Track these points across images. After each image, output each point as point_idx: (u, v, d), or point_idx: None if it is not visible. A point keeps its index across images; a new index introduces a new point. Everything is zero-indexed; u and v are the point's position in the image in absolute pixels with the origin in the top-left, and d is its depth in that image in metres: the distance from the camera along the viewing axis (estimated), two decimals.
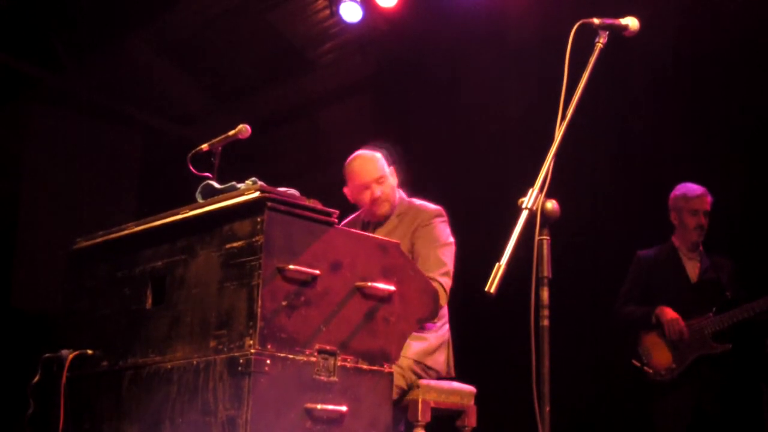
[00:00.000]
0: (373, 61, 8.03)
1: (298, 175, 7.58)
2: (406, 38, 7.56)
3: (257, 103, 8.49)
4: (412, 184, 4.96)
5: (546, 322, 3.22)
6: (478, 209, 6.55)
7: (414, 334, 4.25)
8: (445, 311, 4.62)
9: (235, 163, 4.61)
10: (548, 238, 3.28)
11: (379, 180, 4.69)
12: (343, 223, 4.87)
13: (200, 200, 3.67)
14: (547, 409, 3.12)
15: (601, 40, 3.56)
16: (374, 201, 4.67)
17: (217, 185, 3.70)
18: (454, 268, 4.59)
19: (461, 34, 7.24)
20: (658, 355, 5.47)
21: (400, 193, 4.81)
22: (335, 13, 7.50)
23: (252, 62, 8.36)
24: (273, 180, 3.56)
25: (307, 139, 8.55)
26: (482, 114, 7.10)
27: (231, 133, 4.41)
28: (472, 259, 4.66)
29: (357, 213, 4.89)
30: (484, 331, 6.51)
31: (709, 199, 5.61)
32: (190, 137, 7.27)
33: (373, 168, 4.73)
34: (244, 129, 4.41)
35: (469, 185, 7.00)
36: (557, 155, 3.34)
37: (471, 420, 4.42)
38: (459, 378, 4.58)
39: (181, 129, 9.04)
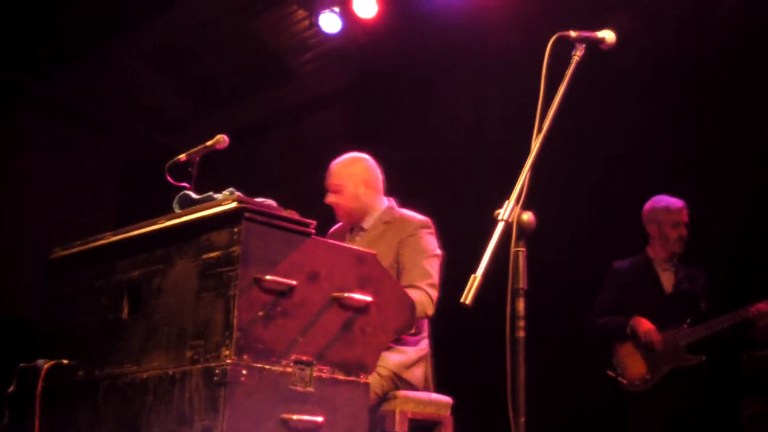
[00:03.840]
0: (352, 71, 8.05)
1: (280, 185, 7.59)
2: (385, 49, 7.58)
3: (239, 111, 8.49)
4: (390, 193, 4.97)
5: (522, 334, 3.22)
6: (456, 220, 6.56)
7: (393, 346, 4.26)
8: (425, 325, 4.61)
9: (215, 173, 4.61)
10: (524, 249, 3.29)
11: (333, 188, 4.71)
12: (333, 228, 4.88)
13: (177, 210, 3.67)
14: (522, 419, 3.13)
15: (578, 53, 3.57)
16: (336, 207, 4.71)
17: (194, 195, 3.70)
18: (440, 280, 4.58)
19: (440, 45, 7.27)
20: (633, 366, 5.49)
21: (390, 203, 4.79)
22: (315, 24, 7.53)
23: (234, 71, 8.37)
24: (254, 189, 3.56)
25: (288, 149, 8.55)
26: (460, 124, 7.12)
27: (209, 143, 4.42)
28: (451, 271, 4.65)
29: None
30: (464, 342, 6.52)
31: (687, 211, 5.67)
32: (172, 145, 7.28)
33: (330, 174, 4.76)
34: (221, 139, 4.42)
35: (447, 196, 7.01)
36: (533, 167, 3.35)
37: (448, 431, 4.43)
38: (438, 389, 4.58)
39: (162, 137, 9.04)
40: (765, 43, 6.07)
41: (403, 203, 4.86)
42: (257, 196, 3.49)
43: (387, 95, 7.74)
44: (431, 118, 7.42)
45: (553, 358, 5.98)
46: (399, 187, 4.97)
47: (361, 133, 7.76)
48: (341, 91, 8.15)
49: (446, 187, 7.18)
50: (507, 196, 3.28)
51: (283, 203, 3.55)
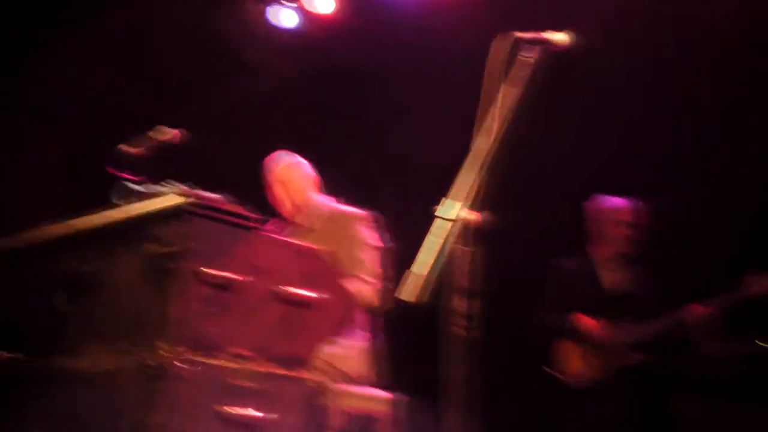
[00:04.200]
0: (309, 66, 8.03)
1: (232, 178, 7.54)
2: (341, 45, 7.57)
3: (193, 103, 8.43)
4: (345, 189, 4.98)
5: (465, 332, 3.23)
6: (410, 217, 6.55)
7: (335, 340, 4.26)
8: (367, 318, 4.63)
9: (166, 166, 4.58)
10: (471, 248, 3.30)
11: (275, 185, 4.88)
12: (274, 224, 4.90)
13: (116, 201, 3.65)
14: (461, 417, 3.14)
15: (530, 54, 3.56)
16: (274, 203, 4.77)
17: (136, 187, 3.68)
18: (388, 273, 4.60)
19: (397, 42, 7.26)
20: (574, 364, 5.53)
21: (330, 200, 4.84)
22: (271, 19, 7.52)
23: (188, 63, 8.31)
24: (205, 183, 3.54)
25: (241, 142, 8.51)
26: (415, 122, 7.12)
27: (156, 135, 4.39)
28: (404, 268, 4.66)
29: None
30: (419, 341, 6.52)
31: (632, 210, 5.69)
32: (122, 137, 7.20)
33: (271, 171, 4.94)
34: (167, 131, 4.39)
35: (402, 193, 7.01)
36: (480, 166, 3.36)
37: (385, 427, 4.41)
38: (390, 387, 4.59)
39: (113, 128, 8.93)
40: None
41: (358, 199, 4.89)
42: (208, 190, 3.48)
43: (342, 91, 7.73)
44: (385, 113, 7.41)
45: (498, 355, 5.99)
46: (354, 183, 4.99)
47: (315, 127, 7.74)
48: (296, 87, 8.12)
49: (402, 184, 7.18)
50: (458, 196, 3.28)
51: (237, 197, 3.54)
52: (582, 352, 5.51)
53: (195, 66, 8.10)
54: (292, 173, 4.89)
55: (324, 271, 3.71)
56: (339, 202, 4.88)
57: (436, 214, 3.23)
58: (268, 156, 4.98)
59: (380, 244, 4.69)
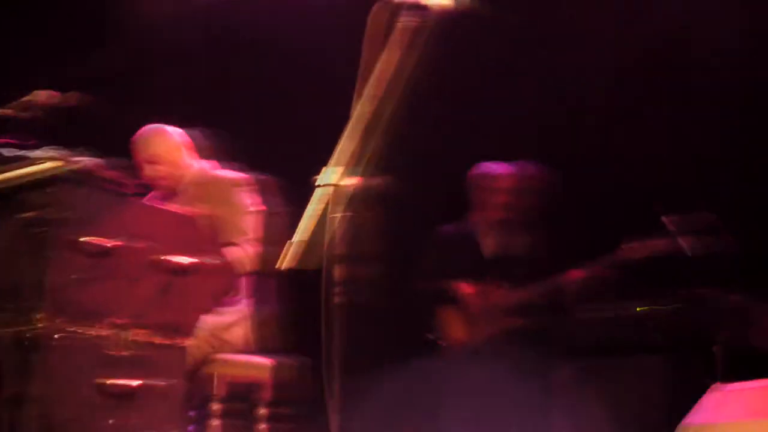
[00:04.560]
0: (190, 31, 7.91)
1: (116, 143, 7.39)
2: (228, 10, 7.46)
3: (82, 67, 8.23)
4: (236, 155, 4.93)
5: (340, 300, 3.24)
6: (299, 184, 6.52)
7: (214, 309, 4.24)
8: (245, 285, 4.61)
9: (62, 130, 4.47)
10: (347, 214, 3.31)
11: (149, 159, 4.75)
12: (151, 195, 4.83)
13: None
14: (338, 385, 3.16)
15: (410, 19, 3.55)
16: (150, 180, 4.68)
17: (6, 153, 3.58)
18: (272, 238, 4.58)
19: (283, 8, 7.19)
20: (454, 329, 5.61)
21: (204, 166, 4.78)
22: None
23: (76, 24, 8.11)
24: (101, 148, 3.47)
25: (124, 107, 8.36)
26: (299, 88, 7.09)
27: (35, 99, 4.26)
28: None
29: None
30: (303, 307, 6.50)
31: (512, 177, 5.75)
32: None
33: (143, 146, 4.79)
34: (47, 95, 4.27)
35: (292, 158, 6.96)
36: (362, 132, 3.36)
37: (266, 393, 4.42)
38: (275, 353, 4.59)
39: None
40: None
41: (252, 165, 4.84)
42: (103, 155, 3.41)
43: (225, 57, 7.64)
44: (279, 80, 7.35)
45: (377, 322, 6.03)
46: (240, 150, 4.95)
47: (210, 92, 7.64)
48: (190, 49, 7.99)
49: (285, 151, 7.14)
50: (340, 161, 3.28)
51: (123, 163, 3.48)
52: (461, 318, 5.59)
53: (84, 26, 7.91)
54: (161, 147, 4.77)
55: (203, 238, 3.69)
56: (221, 167, 4.81)
57: (317, 182, 3.23)
58: (136, 134, 4.84)
59: (262, 207, 4.66)
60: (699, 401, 4.63)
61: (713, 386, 4.70)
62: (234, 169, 4.80)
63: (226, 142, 5.03)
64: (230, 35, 7.51)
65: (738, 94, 6.04)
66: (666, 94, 6.39)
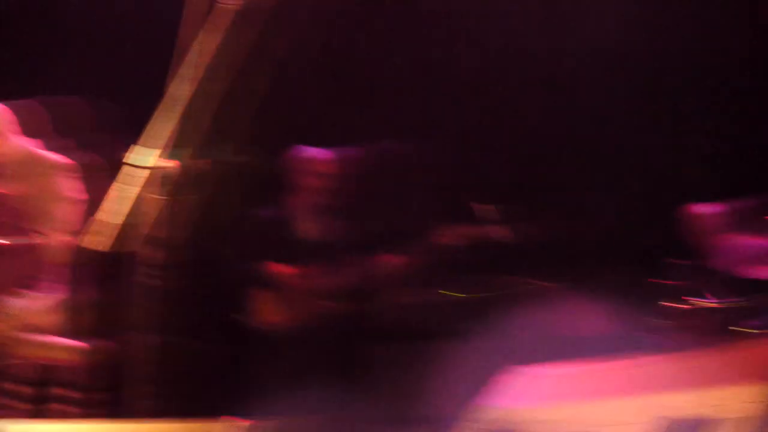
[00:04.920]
0: None
1: None
2: None
3: None
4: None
5: (156, 281, 3.22)
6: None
7: (22, 292, 4.12)
8: (60, 271, 4.47)
9: None
10: (164, 197, 3.27)
11: None
12: None
13: None
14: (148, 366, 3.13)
15: (230, 2, 3.53)
16: None
17: None
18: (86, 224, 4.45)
19: None
20: (268, 312, 5.62)
21: (26, 144, 4.59)
22: None
23: None
24: None
25: None
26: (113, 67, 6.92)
27: None
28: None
29: None
30: (114, 290, 6.36)
31: (328, 161, 5.79)
32: None
33: None
34: None
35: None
36: (178, 113, 3.32)
37: (78, 376, 4.33)
38: (83, 336, 4.49)
39: None
40: None
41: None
42: None
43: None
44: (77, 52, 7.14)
45: (192, 305, 5.97)
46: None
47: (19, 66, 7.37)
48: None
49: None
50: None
51: None
52: (275, 300, 5.60)
53: None
54: None
55: (14, 222, 3.57)
56: (44, 146, 4.60)
57: (127, 161, 3.17)
58: None
59: (81, 195, 4.49)
60: (497, 383, 4.78)
61: (510, 369, 4.85)
62: (59, 150, 4.61)
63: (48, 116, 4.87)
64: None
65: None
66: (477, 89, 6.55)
